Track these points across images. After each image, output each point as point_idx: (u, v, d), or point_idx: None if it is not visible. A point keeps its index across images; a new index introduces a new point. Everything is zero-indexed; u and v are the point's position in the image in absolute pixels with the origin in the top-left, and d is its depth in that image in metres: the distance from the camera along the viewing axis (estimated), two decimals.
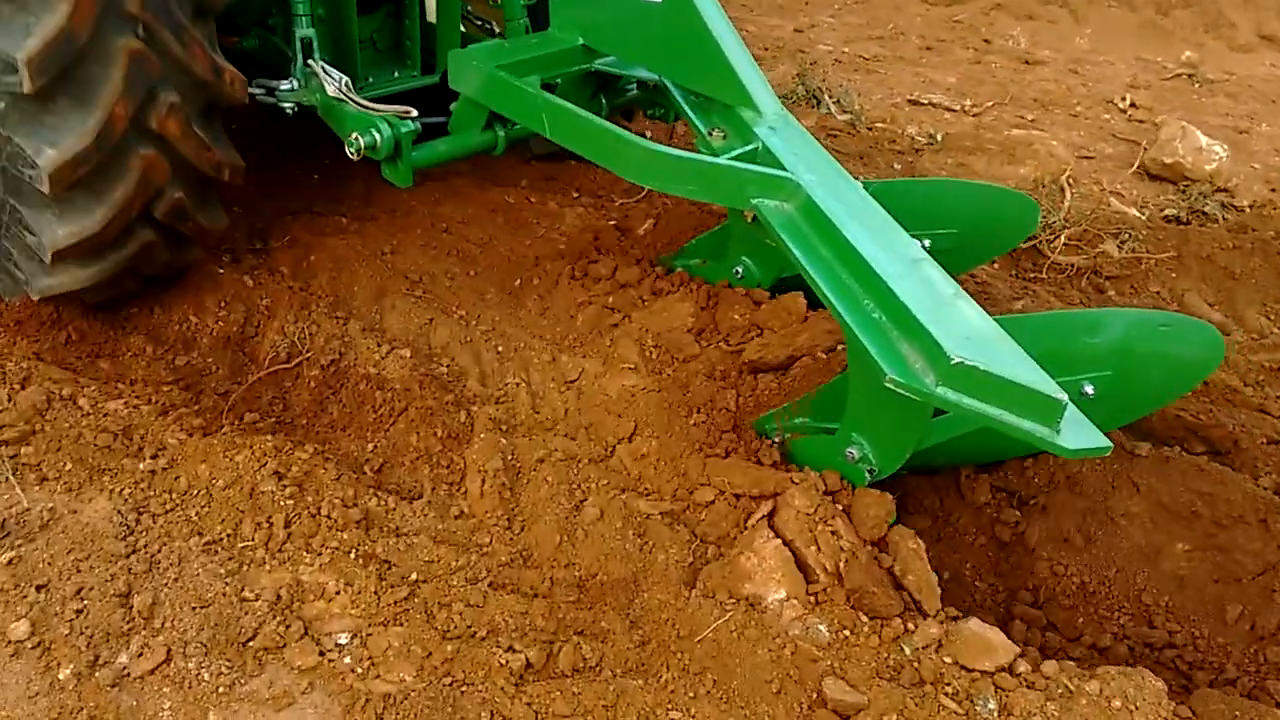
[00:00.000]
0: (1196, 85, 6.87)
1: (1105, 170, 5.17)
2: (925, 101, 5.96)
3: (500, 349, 3.20)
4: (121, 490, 2.42)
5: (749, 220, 2.60)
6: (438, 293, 3.56)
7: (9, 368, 2.79)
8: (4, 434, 2.52)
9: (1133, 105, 6.24)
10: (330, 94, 3.17)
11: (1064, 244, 4.11)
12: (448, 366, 3.13)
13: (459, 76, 3.18)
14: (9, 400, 2.63)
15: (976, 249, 2.88)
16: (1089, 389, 2.25)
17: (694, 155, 2.69)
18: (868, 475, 2.41)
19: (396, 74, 3.73)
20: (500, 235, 3.84)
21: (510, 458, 2.71)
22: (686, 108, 2.93)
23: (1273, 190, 5.26)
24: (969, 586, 2.77)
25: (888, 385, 2.04)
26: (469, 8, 3.86)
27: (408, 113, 3.09)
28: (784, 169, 2.50)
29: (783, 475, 2.48)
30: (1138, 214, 4.43)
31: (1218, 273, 3.97)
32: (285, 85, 3.30)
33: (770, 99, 2.72)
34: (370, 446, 2.77)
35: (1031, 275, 4.08)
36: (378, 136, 3.00)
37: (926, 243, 2.41)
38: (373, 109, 3.10)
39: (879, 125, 5.32)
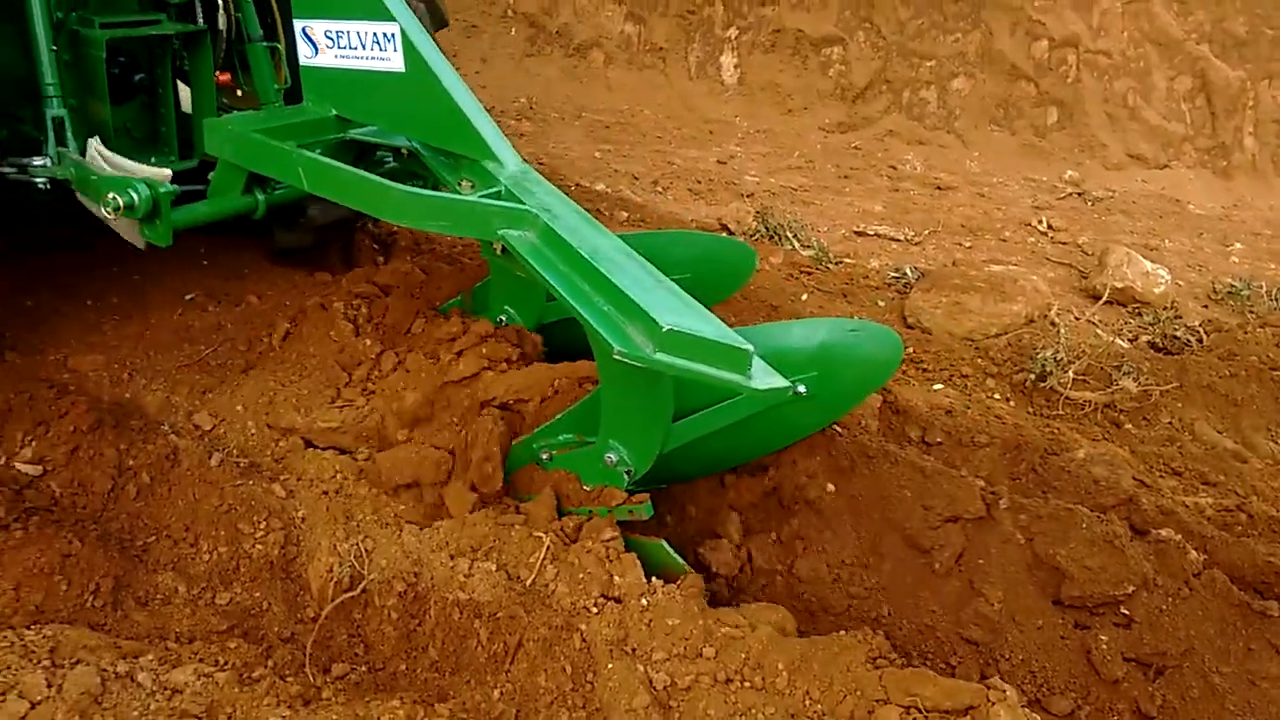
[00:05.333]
0: (1090, 204, 7.38)
1: (1059, 296, 5.38)
2: (871, 233, 6.10)
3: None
4: None
5: (498, 251, 2.84)
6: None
7: (29, 639, 2.27)
8: None
9: (1050, 228, 6.60)
10: (85, 159, 3.23)
11: (1073, 379, 4.18)
12: (522, 576, 2.80)
13: (215, 142, 3.31)
14: (51, 688, 2.11)
15: (705, 292, 3.11)
16: (801, 388, 2.47)
17: (445, 195, 2.98)
18: (626, 477, 2.65)
19: (154, 160, 3.79)
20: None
21: (652, 687, 2.40)
22: (437, 166, 3.20)
23: (1205, 307, 5.63)
24: None
25: (615, 358, 2.30)
26: (224, 99, 3.97)
27: (164, 175, 3.17)
28: (524, 204, 2.80)
29: (977, 686, 2.29)
30: (1125, 344, 4.59)
31: (1220, 401, 4.12)
32: (39, 161, 3.37)
33: (510, 152, 3.05)
34: (496, 694, 2.39)
35: (1049, 413, 4.12)
36: (135, 196, 3.08)
37: None
38: (129, 170, 3.13)
39: (847, 260, 5.37)
